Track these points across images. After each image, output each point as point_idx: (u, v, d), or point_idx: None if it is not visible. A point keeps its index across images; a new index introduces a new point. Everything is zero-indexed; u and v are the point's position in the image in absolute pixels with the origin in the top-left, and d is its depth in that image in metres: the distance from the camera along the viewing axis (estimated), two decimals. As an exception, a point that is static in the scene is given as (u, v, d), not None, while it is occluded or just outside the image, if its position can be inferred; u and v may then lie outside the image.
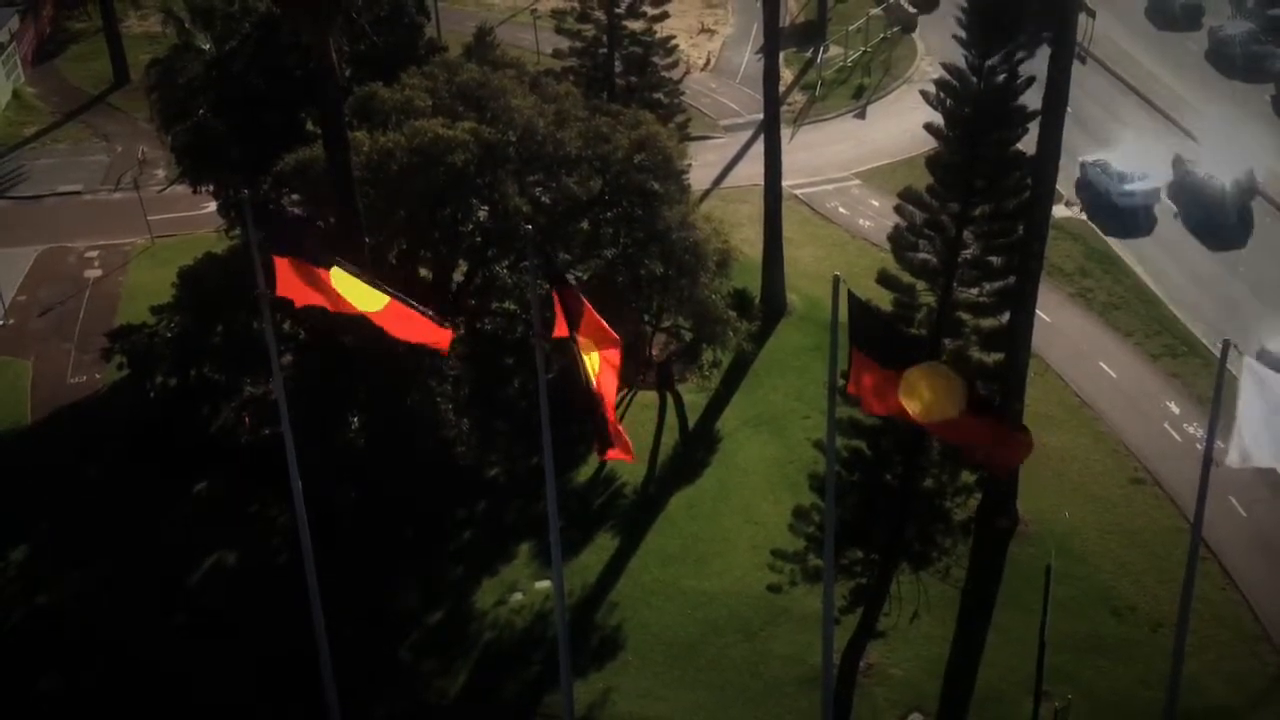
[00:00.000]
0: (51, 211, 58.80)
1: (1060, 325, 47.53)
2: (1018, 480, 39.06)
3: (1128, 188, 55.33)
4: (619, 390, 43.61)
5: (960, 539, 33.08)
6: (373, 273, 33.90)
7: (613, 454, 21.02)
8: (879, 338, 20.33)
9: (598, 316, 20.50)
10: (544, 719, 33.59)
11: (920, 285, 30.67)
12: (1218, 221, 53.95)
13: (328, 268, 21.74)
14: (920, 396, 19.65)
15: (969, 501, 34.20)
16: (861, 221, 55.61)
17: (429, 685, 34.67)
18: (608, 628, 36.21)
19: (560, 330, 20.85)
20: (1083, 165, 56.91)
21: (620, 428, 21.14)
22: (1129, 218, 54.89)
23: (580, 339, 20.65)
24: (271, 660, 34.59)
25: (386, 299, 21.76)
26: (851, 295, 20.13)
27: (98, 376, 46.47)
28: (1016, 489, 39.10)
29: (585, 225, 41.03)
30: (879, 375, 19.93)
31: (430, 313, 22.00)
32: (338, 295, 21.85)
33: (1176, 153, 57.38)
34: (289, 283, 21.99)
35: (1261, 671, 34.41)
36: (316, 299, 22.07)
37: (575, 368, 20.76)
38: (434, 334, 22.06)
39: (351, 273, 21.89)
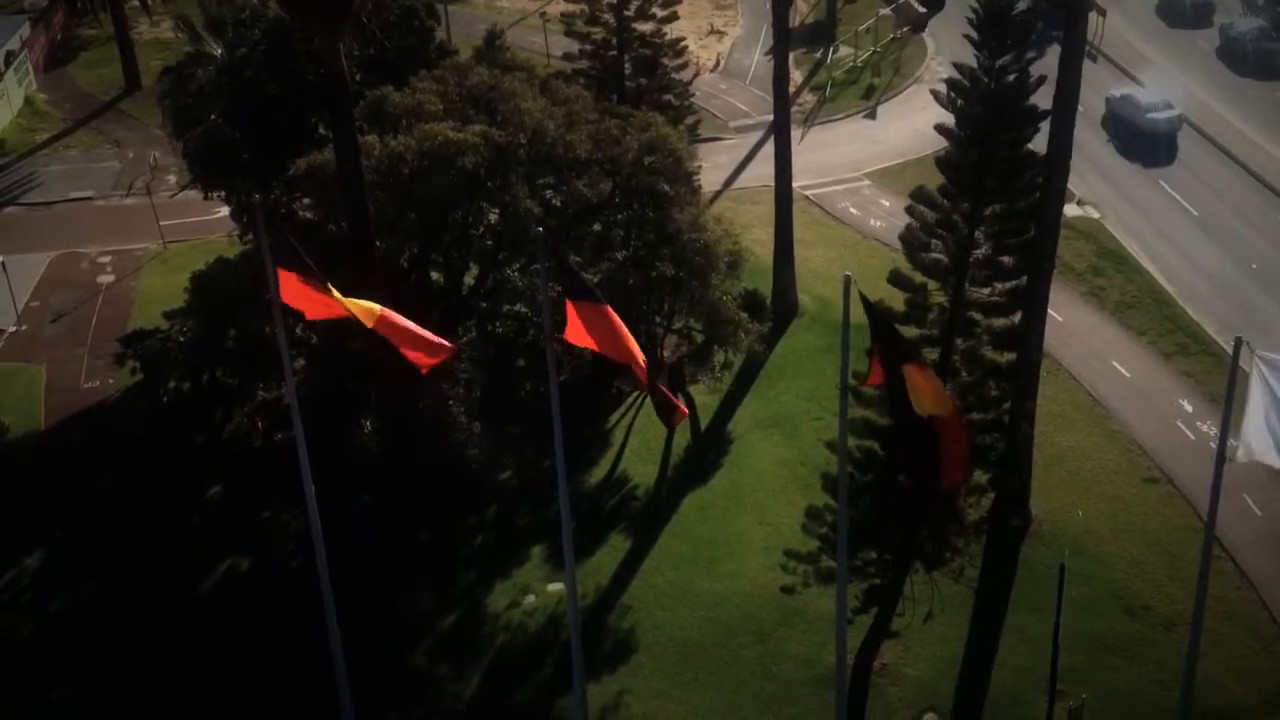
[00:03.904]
0: (64, 217, 58.96)
1: (1072, 324, 47.42)
2: (1031, 480, 39.00)
3: (1152, 117, 60.80)
4: (632, 391, 43.90)
5: (973, 539, 33.04)
6: (379, 280, 34.09)
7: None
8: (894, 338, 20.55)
9: (629, 345, 20.69)
10: (557, 722, 33.66)
11: (932, 285, 30.65)
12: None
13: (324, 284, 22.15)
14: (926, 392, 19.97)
15: (982, 501, 34.16)
16: (873, 222, 55.56)
17: (442, 689, 34.70)
18: (620, 630, 36.21)
19: (575, 337, 20.93)
20: (1108, 100, 62.27)
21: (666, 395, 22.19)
22: (1153, 143, 60.37)
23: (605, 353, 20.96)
24: (284, 666, 34.64)
25: (378, 312, 22.02)
26: (865, 300, 20.24)
27: (110, 381, 46.61)
28: (1030, 489, 39.04)
29: (596, 228, 41.05)
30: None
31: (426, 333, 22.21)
32: (337, 302, 22.20)
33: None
34: (292, 292, 22.35)
35: (1277, 670, 34.28)
36: (318, 308, 22.40)
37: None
38: (429, 350, 22.20)
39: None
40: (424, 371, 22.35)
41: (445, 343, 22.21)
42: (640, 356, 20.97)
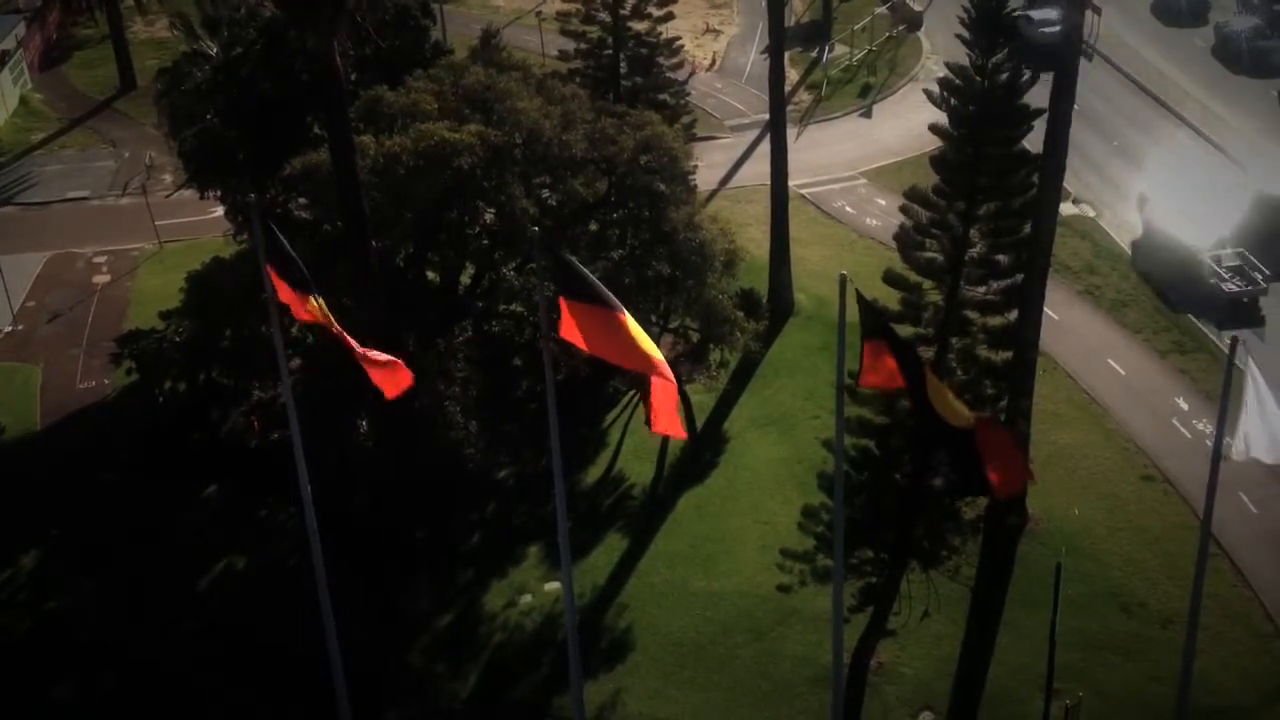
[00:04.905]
0: (59, 217, 58.91)
1: (1068, 322, 47.44)
2: (1027, 478, 39.00)
3: (1045, 30, 63.83)
4: (630, 390, 43.86)
5: (970, 537, 33.06)
6: (376, 279, 34.09)
7: (659, 428, 20.85)
8: (889, 334, 20.40)
9: (639, 350, 20.32)
10: (554, 721, 33.68)
11: (927, 284, 30.65)
12: None
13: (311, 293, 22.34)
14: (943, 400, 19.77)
15: (978, 500, 34.18)
16: (868, 220, 55.59)
17: (440, 688, 34.71)
18: (617, 629, 36.23)
19: (568, 334, 20.87)
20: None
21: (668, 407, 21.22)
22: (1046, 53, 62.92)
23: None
24: (282, 664, 34.63)
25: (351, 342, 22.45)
26: (860, 296, 20.19)
27: (106, 382, 46.58)
28: (1026, 487, 39.02)
29: (592, 227, 41.06)
30: (893, 362, 20.03)
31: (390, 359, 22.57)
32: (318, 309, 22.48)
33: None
34: (284, 293, 22.56)
35: (1273, 668, 34.33)
36: (302, 313, 22.63)
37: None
38: (394, 378, 22.66)
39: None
40: (389, 397, 22.71)
41: (407, 374, 22.52)
42: (657, 362, 20.50)
